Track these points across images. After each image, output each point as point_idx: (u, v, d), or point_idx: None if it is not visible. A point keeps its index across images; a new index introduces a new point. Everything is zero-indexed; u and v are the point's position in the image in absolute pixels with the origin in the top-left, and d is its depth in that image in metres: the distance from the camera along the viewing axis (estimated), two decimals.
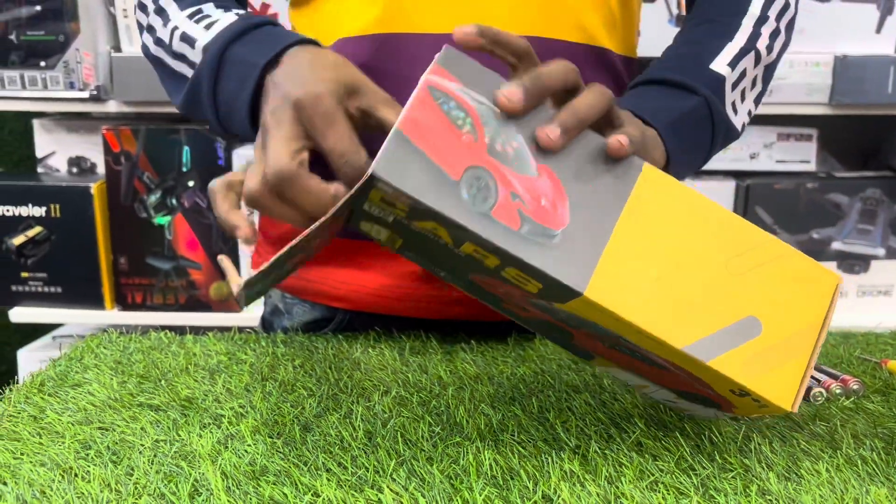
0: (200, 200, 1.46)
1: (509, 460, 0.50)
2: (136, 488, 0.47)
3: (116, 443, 0.53)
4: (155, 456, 0.51)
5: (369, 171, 0.44)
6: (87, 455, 0.51)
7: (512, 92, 0.45)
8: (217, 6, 0.68)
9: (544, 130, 0.46)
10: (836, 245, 1.53)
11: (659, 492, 0.46)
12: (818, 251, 1.52)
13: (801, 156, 1.53)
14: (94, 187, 1.46)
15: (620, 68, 0.78)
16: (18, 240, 1.48)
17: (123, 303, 1.50)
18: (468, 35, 0.49)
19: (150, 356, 0.72)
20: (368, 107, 0.54)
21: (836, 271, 1.53)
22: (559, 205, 0.47)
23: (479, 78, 0.47)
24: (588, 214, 0.47)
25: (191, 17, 0.67)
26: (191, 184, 1.46)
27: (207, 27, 0.64)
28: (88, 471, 0.49)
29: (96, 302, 1.50)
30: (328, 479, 0.47)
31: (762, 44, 0.71)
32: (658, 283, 0.47)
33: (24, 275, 1.50)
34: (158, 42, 0.70)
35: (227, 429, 0.55)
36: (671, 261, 0.48)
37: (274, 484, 0.47)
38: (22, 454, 0.51)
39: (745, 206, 1.49)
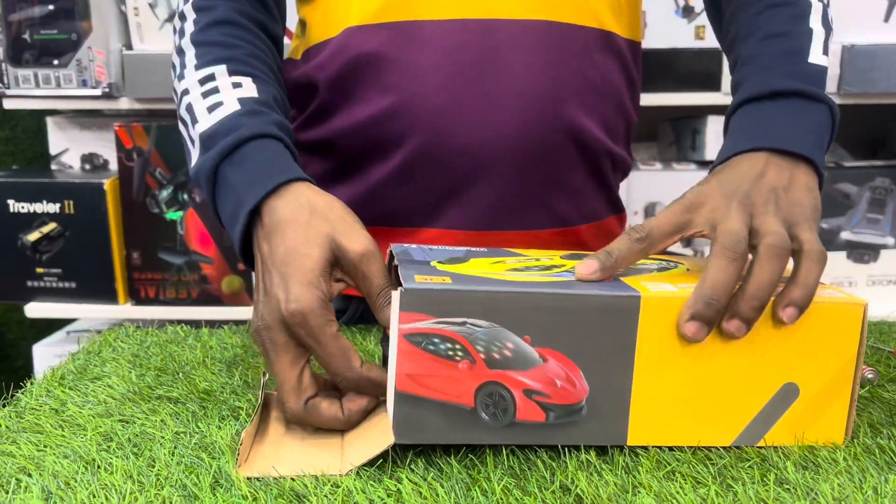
0: None
1: (526, 451, 0.50)
2: (157, 479, 0.47)
3: (137, 435, 0.54)
4: (175, 448, 0.52)
5: (390, 442, 0.47)
6: (109, 447, 0.52)
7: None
8: (231, 71, 0.65)
9: (727, 326, 0.48)
10: (846, 235, 1.52)
11: (676, 481, 0.47)
12: (827, 241, 1.51)
13: None
14: (107, 183, 1.47)
15: (626, 52, 0.77)
16: (33, 236, 1.49)
17: (136, 297, 1.51)
18: (593, 274, 0.50)
19: (167, 349, 0.72)
20: (347, 275, 0.54)
21: (846, 261, 1.53)
22: (575, 378, 0.48)
23: (446, 301, 0.46)
24: (604, 372, 0.48)
25: (202, 82, 0.65)
26: None
27: (210, 109, 0.62)
28: (111, 462, 0.49)
29: (110, 297, 1.51)
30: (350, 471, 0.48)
31: (829, 17, 0.68)
32: (689, 400, 0.49)
33: (39, 270, 1.51)
34: (175, 86, 0.68)
35: (246, 421, 0.56)
36: (695, 373, 0.49)
37: (294, 476, 0.47)
38: (45, 446, 0.52)
39: None
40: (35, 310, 1.52)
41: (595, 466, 0.48)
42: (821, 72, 0.64)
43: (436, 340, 0.46)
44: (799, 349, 0.49)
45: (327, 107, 0.77)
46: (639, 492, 0.45)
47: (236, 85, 0.64)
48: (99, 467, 0.49)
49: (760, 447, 0.51)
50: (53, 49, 1.44)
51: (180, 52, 0.69)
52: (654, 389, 0.48)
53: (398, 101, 0.71)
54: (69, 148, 1.62)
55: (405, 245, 0.57)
